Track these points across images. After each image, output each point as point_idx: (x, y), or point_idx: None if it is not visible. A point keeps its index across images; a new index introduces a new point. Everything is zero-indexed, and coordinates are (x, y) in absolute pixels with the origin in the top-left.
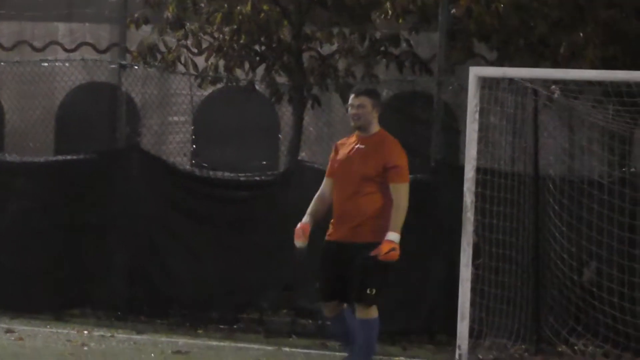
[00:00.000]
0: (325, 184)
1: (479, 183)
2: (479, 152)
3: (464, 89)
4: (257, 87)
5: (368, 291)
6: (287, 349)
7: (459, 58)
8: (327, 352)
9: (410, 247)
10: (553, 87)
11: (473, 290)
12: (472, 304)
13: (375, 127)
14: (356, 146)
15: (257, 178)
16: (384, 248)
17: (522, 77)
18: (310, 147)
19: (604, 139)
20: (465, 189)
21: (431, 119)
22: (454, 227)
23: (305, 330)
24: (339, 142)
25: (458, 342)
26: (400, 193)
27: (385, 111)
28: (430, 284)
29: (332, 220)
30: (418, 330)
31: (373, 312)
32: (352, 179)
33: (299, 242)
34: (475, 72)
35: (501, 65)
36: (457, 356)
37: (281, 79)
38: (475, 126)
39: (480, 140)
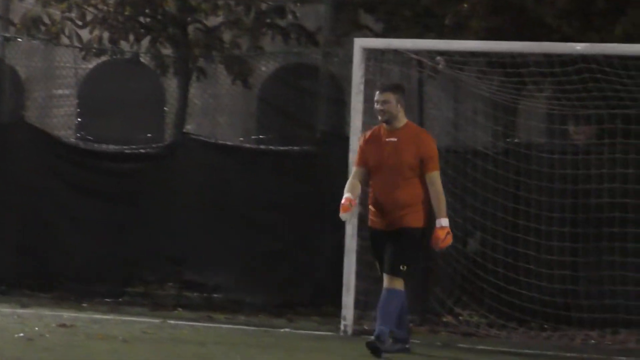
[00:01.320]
0: (356, 173)
1: None
2: (364, 123)
3: (350, 60)
4: (142, 59)
5: (401, 267)
6: (172, 321)
7: (345, 30)
8: (213, 325)
9: (297, 219)
10: (438, 58)
11: (359, 261)
12: (358, 275)
13: (402, 120)
14: (387, 139)
15: (143, 150)
16: (440, 235)
17: (407, 48)
18: (196, 120)
19: (488, 109)
20: (350, 159)
21: (317, 90)
22: (340, 197)
23: (191, 303)
24: (367, 133)
25: (343, 313)
26: (438, 180)
27: (272, 83)
28: (317, 256)
29: (372, 210)
30: (304, 302)
31: (400, 284)
32: (389, 171)
33: (346, 214)
34: (360, 44)
35: (387, 36)
36: (342, 327)
37: (166, 50)
38: (361, 97)
39: (365, 111)
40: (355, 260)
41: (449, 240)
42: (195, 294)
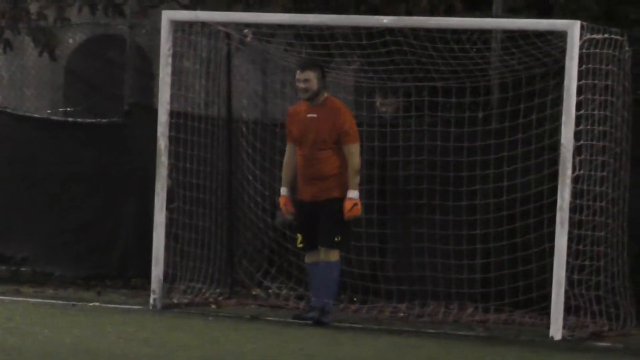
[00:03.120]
0: (289, 150)
1: (173, 127)
2: (172, 95)
3: (157, 32)
4: None
5: (335, 238)
6: None
7: (152, 1)
8: (20, 298)
9: (104, 191)
10: (246, 30)
11: (167, 234)
12: (167, 248)
13: (322, 96)
14: (308, 115)
15: None
16: (348, 205)
17: (215, 20)
18: (2, 92)
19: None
20: (159, 133)
21: (124, 62)
22: (147, 170)
23: None
24: (291, 109)
25: (152, 286)
26: (354, 152)
27: (79, 55)
28: (124, 228)
29: (299, 182)
30: (112, 274)
31: (336, 256)
32: (311, 145)
33: (288, 216)
34: (168, 16)
35: (194, 9)
36: (151, 300)
37: None
38: (169, 70)
39: (174, 84)
40: (164, 234)
41: (356, 211)
42: (2, 267)
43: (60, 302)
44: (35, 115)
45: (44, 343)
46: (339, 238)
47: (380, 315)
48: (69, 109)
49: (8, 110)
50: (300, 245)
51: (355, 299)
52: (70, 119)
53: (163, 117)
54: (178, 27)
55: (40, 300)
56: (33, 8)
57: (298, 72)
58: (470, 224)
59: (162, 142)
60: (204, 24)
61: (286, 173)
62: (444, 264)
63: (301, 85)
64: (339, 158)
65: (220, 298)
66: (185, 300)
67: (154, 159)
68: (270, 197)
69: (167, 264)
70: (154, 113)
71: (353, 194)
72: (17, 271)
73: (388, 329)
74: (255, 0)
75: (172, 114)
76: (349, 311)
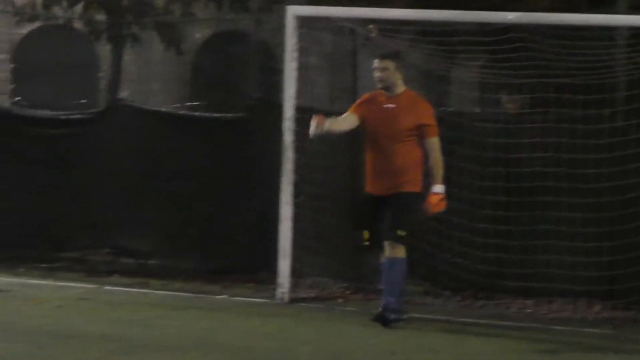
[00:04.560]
0: (348, 117)
1: (299, 122)
2: (298, 91)
3: (282, 27)
4: (75, 25)
5: (399, 232)
6: (108, 287)
7: None
8: (148, 291)
9: (231, 186)
10: (370, 26)
11: (294, 229)
12: (293, 242)
13: (401, 87)
14: (385, 106)
15: (77, 116)
16: (434, 200)
17: (339, 16)
18: (130, 86)
19: (421, 78)
20: (285, 128)
21: (249, 57)
22: (272, 165)
23: (126, 269)
24: (367, 95)
25: (279, 280)
26: (436, 147)
27: (204, 50)
28: (250, 222)
29: (369, 175)
30: (240, 268)
31: (401, 252)
32: (387, 136)
33: (317, 127)
34: (293, 12)
35: (319, 4)
36: (278, 294)
37: (100, 16)
38: (294, 65)
39: (298, 79)
40: (291, 228)
41: (442, 206)
42: (130, 260)
43: (187, 294)
44: (161, 109)
45: (170, 336)
46: (404, 233)
47: (507, 311)
48: (194, 103)
49: (134, 103)
50: (366, 243)
51: (480, 295)
52: (195, 113)
53: (289, 112)
54: (303, 22)
55: (167, 292)
56: (159, 3)
57: (376, 61)
58: (596, 221)
59: (288, 137)
60: (328, 20)
61: (336, 122)
62: (571, 261)
63: (378, 74)
64: (414, 151)
65: (347, 292)
66: (312, 294)
67: (277, 154)
68: None
69: (293, 258)
70: (278, 108)
71: (440, 188)
72: (145, 264)
73: (514, 325)
74: None
75: (298, 109)
76: (474, 307)
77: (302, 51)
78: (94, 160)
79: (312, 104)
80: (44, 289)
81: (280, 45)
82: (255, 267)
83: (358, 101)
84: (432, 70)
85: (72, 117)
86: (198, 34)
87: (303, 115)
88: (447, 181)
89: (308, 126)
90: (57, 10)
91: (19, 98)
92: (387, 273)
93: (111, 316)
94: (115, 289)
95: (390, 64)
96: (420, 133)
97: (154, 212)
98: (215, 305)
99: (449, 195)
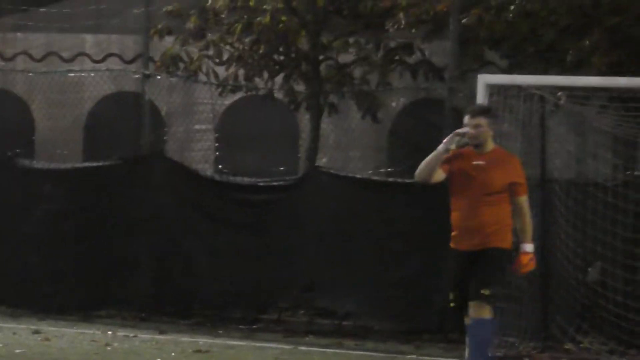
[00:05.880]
0: (438, 172)
1: None
2: None
3: (473, 95)
4: (276, 95)
5: (483, 291)
6: (304, 347)
7: (470, 65)
8: (342, 351)
9: (424, 247)
10: (560, 93)
11: None
12: None
13: (491, 144)
14: (475, 162)
15: (275, 183)
16: (524, 260)
17: (530, 84)
18: (327, 153)
19: (609, 143)
20: None
21: (443, 124)
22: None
23: (322, 330)
24: (455, 152)
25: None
26: (525, 205)
27: (401, 117)
28: (444, 283)
29: (456, 232)
30: (431, 329)
31: (487, 312)
32: (476, 192)
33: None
34: (484, 80)
35: (512, 72)
36: (466, 355)
37: (299, 87)
38: None
39: None
40: None
41: (532, 266)
42: (326, 321)
43: (380, 354)
44: (357, 176)
45: None
46: (488, 292)
47: None
48: (390, 169)
49: (331, 170)
50: (452, 305)
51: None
52: (390, 179)
53: None
54: (494, 89)
55: (361, 352)
56: (357, 73)
57: (468, 117)
58: None
59: None
60: (519, 88)
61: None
62: None
63: (471, 131)
64: (504, 209)
65: (534, 352)
66: (499, 354)
67: None
68: (582, 255)
69: None
70: None
71: (529, 247)
72: (340, 325)
73: None
74: (570, 64)
75: None
76: None
77: None
78: (294, 225)
79: None
80: (243, 349)
81: None
82: (448, 328)
83: (449, 160)
84: (620, 135)
85: (272, 183)
86: (394, 102)
87: None
88: (634, 242)
89: None
90: (258, 82)
91: (221, 166)
92: (474, 335)
93: None
94: (311, 349)
95: (483, 121)
96: (510, 191)
97: (352, 274)
98: None
99: (635, 256)
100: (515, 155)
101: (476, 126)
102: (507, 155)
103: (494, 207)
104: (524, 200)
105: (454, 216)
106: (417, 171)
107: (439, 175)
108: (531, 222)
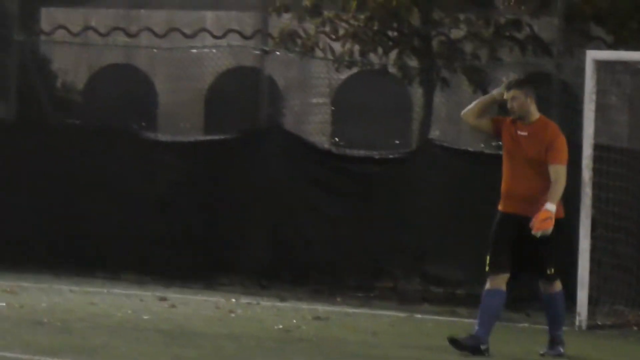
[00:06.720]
0: (483, 121)
1: (597, 159)
2: (596, 129)
3: (581, 70)
4: (390, 70)
5: (548, 272)
6: (418, 315)
7: (576, 41)
8: (456, 319)
9: None
10: None
11: (591, 259)
12: (591, 272)
13: (535, 114)
14: (519, 133)
15: (391, 155)
16: (542, 215)
17: (637, 60)
18: (439, 127)
19: None
20: (583, 165)
21: (551, 98)
22: (571, 201)
23: (435, 298)
24: (507, 120)
25: (578, 309)
26: (559, 173)
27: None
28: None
29: (505, 195)
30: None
31: (557, 286)
32: (521, 163)
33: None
34: (592, 56)
35: (617, 47)
36: (577, 322)
37: (412, 62)
38: (592, 106)
39: (597, 118)
40: (588, 259)
41: (548, 225)
42: (439, 289)
43: None
44: (469, 149)
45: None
46: (553, 270)
47: None
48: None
49: (444, 143)
50: (487, 269)
51: None
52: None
53: (587, 150)
54: (601, 65)
55: (474, 320)
56: (467, 49)
57: (506, 92)
58: None
59: (587, 174)
60: (626, 63)
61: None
62: None
63: (509, 104)
64: (548, 179)
65: None
66: (609, 322)
67: (577, 190)
68: None
69: (591, 287)
70: (578, 148)
71: (551, 207)
72: (453, 293)
73: None
74: None
75: (596, 147)
76: None
77: (601, 92)
78: (406, 196)
79: (610, 142)
80: (359, 316)
81: (580, 86)
82: None
83: (498, 117)
84: None
85: (387, 156)
86: (504, 77)
87: (601, 153)
88: None
89: (607, 163)
90: (372, 57)
91: (337, 139)
92: (550, 308)
93: (420, 344)
94: (425, 317)
95: (517, 93)
96: (546, 158)
97: (463, 243)
98: (519, 333)
99: None
100: (553, 123)
101: (512, 99)
102: (546, 125)
103: (540, 179)
104: (553, 168)
105: (504, 180)
106: (464, 110)
107: (484, 125)
108: (560, 187)
